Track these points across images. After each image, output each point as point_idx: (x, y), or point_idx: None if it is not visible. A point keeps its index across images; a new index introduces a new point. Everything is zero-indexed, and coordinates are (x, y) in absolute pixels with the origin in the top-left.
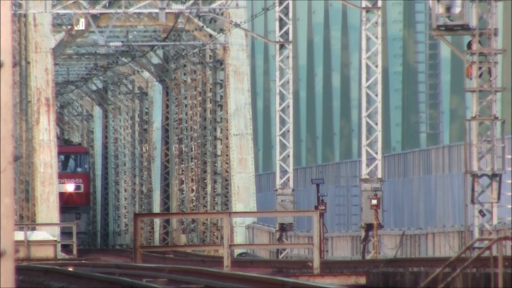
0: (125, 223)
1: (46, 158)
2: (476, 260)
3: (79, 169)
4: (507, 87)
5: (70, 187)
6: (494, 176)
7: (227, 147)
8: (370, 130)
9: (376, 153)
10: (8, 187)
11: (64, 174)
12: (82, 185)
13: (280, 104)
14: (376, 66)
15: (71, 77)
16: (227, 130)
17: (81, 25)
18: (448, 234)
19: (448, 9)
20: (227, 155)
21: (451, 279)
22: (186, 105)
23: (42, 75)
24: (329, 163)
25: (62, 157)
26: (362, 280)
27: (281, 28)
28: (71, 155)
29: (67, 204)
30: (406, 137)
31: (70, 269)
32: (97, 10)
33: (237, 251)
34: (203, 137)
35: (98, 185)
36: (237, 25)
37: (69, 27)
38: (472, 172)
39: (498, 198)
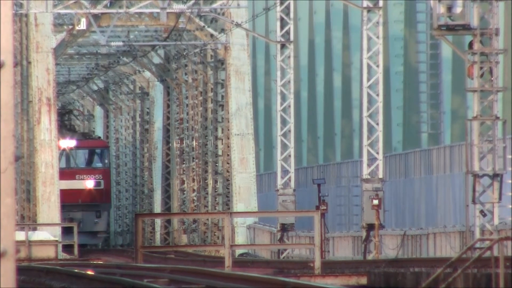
0: (126, 223)
1: (47, 158)
2: (477, 261)
3: (99, 164)
4: (508, 87)
5: (89, 183)
6: (495, 176)
7: (228, 147)
8: (371, 130)
9: (377, 153)
10: (9, 187)
11: (83, 169)
12: (102, 181)
13: (281, 104)
14: (377, 66)
15: (72, 77)
16: (228, 130)
17: (82, 25)
18: (449, 234)
19: (449, 9)
20: (228, 155)
21: (452, 279)
22: (187, 105)
23: (43, 75)
24: (330, 163)
25: (81, 151)
26: (363, 281)
27: (282, 28)
28: (90, 150)
29: (86, 201)
30: (407, 137)
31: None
32: (98, 10)
33: (238, 251)
34: (204, 137)
35: None
36: (238, 25)
37: (70, 27)
38: (473, 172)
39: (499, 198)
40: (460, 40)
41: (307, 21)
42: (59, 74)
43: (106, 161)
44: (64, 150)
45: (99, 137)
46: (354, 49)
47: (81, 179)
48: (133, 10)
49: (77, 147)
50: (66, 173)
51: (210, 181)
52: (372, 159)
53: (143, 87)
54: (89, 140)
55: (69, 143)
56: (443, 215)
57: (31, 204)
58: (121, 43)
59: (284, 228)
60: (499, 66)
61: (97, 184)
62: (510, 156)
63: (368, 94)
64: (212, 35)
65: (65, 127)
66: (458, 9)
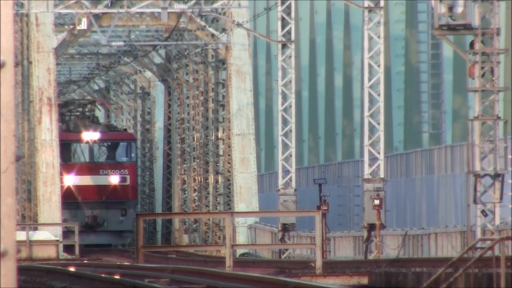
0: None
1: (48, 158)
2: (478, 260)
3: (125, 159)
4: (509, 86)
5: (114, 179)
6: (496, 176)
7: (229, 147)
8: (372, 130)
9: (379, 153)
10: (10, 187)
11: (108, 164)
12: (128, 177)
13: (282, 104)
14: (378, 66)
15: (73, 77)
16: (229, 130)
17: (83, 25)
18: (451, 234)
19: (451, 8)
20: (229, 155)
21: (454, 279)
22: (188, 105)
23: (44, 75)
24: (332, 163)
25: (106, 145)
26: (365, 280)
27: (283, 27)
28: (115, 143)
29: (111, 198)
30: (409, 137)
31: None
32: (99, 9)
33: (239, 251)
34: (205, 137)
35: None
36: (239, 25)
37: (71, 26)
38: (474, 172)
39: (501, 198)
40: (461, 40)
41: (308, 21)
42: (60, 74)
43: (133, 155)
44: (87, 143)
45: (125, 129)
46: (355, 49)
47: (106, 175)
48: (134, 10)
49: (101, 140)
50: (89, 168)
51: (211, 181)
52: (373, 159)
53: (144, 87)
54: (114, 132)
55: (92, 135)
56: (444, 215)
57: (32, 204)
58: (122, 43)
59: (285, 228)
60: (500, 66)
61: (123, 179)
62: (511, 156)
63: (369, 94)
64: (213, 35)
65: (87, 118)
66: (459, 9)
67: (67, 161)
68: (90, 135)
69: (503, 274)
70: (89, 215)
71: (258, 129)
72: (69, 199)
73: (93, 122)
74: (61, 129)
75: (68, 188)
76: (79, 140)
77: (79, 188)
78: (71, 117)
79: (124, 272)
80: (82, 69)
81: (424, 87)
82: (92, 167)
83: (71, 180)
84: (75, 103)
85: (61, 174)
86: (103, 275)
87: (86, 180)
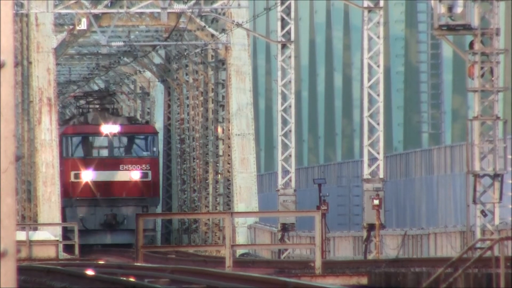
0: None
1: (48, 158)
2: (478, 261)
3: (146, 153)
4: (509, 87)
5: (135, 174)
6: (496, 176)
7: (229, 147)
8: (372, 130)
9: (378, 153)
10: (10, 187)
11: (128, 159)
12: (149, 172)
13: (282, 104)
14: (378, 66)
15: (73, 77)
16: (229, 130)
17: (83, 25)
18: (450, 234)
19: (450, 9)
20: (229, 155)
21: (453, 279)
22: (188, 105)
23: (44, 75)
24: (331, 163)
25: (126, 138)
26: (364, 280)
27: (283, 27)
28: (136, 136)
29: (131, 195)
30: (408, 137)
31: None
32: (99, 10)
33: (239, 251)
34: (205, 137)
35: None
36: (239, 25)
37: (71, 27)
38: (474, 172)
39: (500, 198)
40: (461, 40)
41: (308, 21)
42: (59, 74)
43: (155, 149)
44: (106, 136)
45: (147, 122)
46: (354, 49)
47: (126, 170)
48: (133, 10)
49: (121, 133)
50: (108, 163)
51: (211, 181)
52: (372, 159)
53: (144, 87)
54: (135, 125)
55: (112, 128)
56: (443, 215)
57: (32, 204)
58: (121, 43)
59: (285, 228)
60: (499, 66)
61: (144, 175)
62: (510, 156)
63: (369, 94)
64: (213, 35)
65: (107, 110)
66: (458, 9)
67: (85, 155)
68: (109, 128)
69: (502, 274)
70: (108, 212)
71: (257, 129)
72: (87, 195)
73: (112, 114)
74: (79, 122)
75: (86, 184)
76: (98, 133)
77: (98, 184)
78: (90, 109)
79: (124, 272)
80: (82, 69)
81: (424, 87)
82: (111, 162)
83: (90, 175)
84: (94, 94)
85: (78, 169)
86: (103, 275)
87: (106, 175)
